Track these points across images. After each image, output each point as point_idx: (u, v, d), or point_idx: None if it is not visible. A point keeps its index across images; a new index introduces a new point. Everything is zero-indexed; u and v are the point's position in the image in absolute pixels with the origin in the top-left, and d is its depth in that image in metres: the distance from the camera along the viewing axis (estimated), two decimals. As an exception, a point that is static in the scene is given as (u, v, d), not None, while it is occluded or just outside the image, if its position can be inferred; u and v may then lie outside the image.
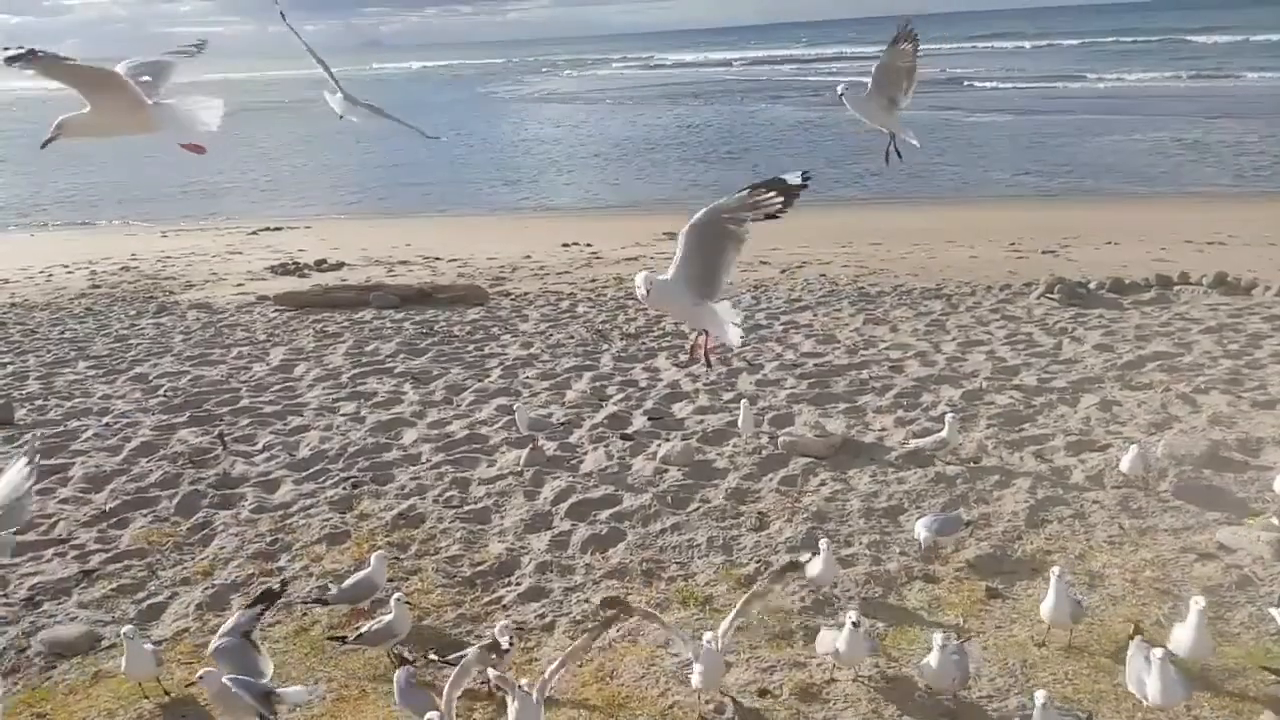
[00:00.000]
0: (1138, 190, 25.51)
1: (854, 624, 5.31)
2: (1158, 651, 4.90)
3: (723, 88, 64.18)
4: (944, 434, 8.38)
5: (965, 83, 54.71)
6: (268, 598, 5.79)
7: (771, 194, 4.45)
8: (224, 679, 4.96)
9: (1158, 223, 19.76)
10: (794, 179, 4.49)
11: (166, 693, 5.75)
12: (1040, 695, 4.72)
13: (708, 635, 5.27)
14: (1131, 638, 5.32)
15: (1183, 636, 5.28)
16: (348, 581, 6.53)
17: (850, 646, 5.36)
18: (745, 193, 4.48)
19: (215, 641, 5.36)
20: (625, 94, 62.24)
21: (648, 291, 4.88)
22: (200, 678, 5.14)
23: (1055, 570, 5.76)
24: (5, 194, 33.81)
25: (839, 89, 5.82)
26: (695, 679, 5.29)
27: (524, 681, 4.92)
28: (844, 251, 18.02)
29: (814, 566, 6.21)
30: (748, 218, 4.54)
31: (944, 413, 8.72)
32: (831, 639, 5.50)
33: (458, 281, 16.70)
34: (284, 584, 6.45)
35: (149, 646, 5.73)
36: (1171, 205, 22.57)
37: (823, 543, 6.26)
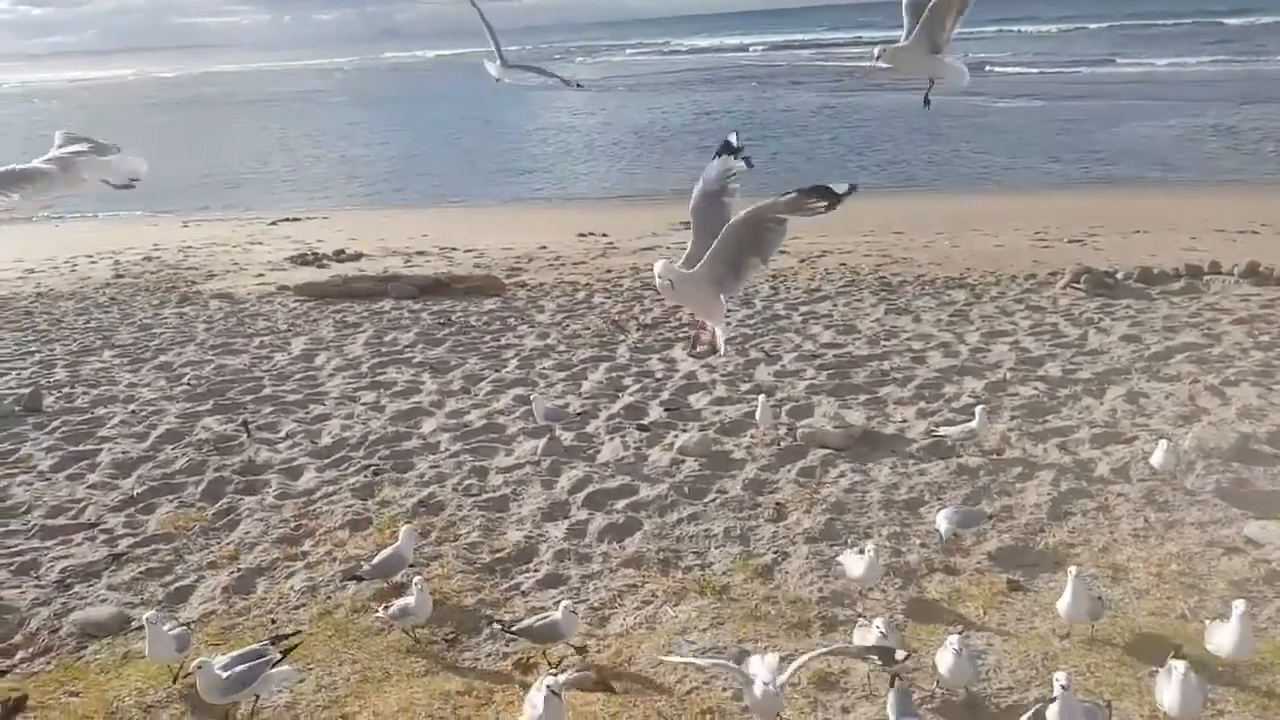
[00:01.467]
0: (1167, 178, 25.07)
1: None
2: (1179, 665, 4.82)
3: (741, 73, 63.74)
4: (973, 425, 8.29)
5: (988, 67, 54.09)
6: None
7: (816, 200, 4.40)
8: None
9: (1187, 211, 19.45)
10: (841, 189, 4.44)
11: (186, 674, 5.75)
12: (1061, 676, 4.68)
13: (765, 675, 4.85)
14: (1174, 656, 5.09)
15: (1224, 638, 5.21)
16: (378, 556, 6.63)
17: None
18: (792, 196, 4.41)
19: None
20: (641, 81, 62.03)
21: (670, 283, 4.83)
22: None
23: (1072, 570, 5.69)
24: (32, 184, 34.13)
25: (874, 52, 5.70)
26: None
27: (548, 681, 4.87)
28: (865, 240, 17.88)
29: (858, 567, 6.12)
30: (787, 222, 4.48)
31: (967, 404, 8.64)
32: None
33: (474, 272, 16.72)
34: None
35: (173, 630, 5.79)
36: (1202, 193, 22.20)
37: (869, 544, 6.17)
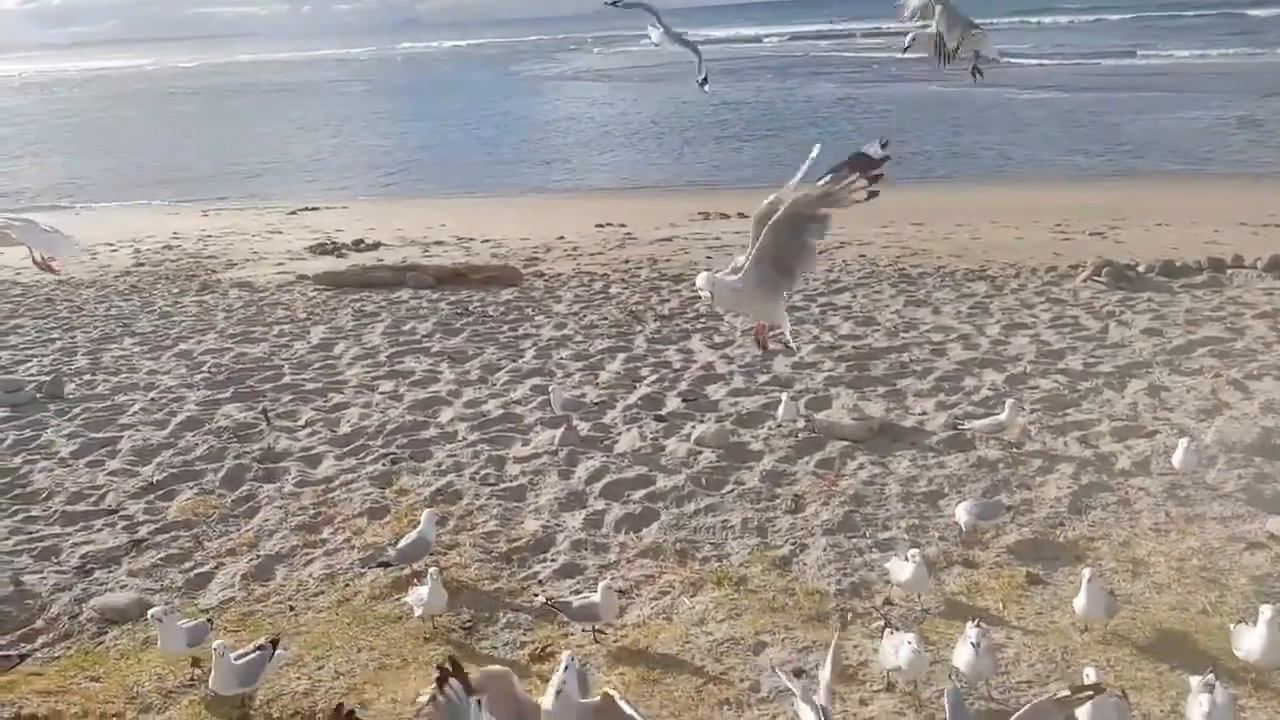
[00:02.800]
0: (1189, 170, 24.83)
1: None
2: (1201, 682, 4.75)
3: (759, 64, 63.37)
4: (1002, 417, 8.21)
5: (1007, 59, 53.57)
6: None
7: (856, 178, 4.27)
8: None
9: (1210, 204, 19.24)
10: (874, 150, 4.28)
11: (197, 664, 5.72)
12: (1091, 671, 4.63)
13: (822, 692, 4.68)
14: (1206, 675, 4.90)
15: (1253, 643, 5.12)
16: (403, 542, 6.66)
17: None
18: (828, 180, 4.29)
19: None
20: (658, 71, 61.75)
21: (711, 294, 4.74)
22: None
23: (1086, 571, 5.62)
24: (51, 173, 34.45)
25: (908, 39, 5.74)
26: None
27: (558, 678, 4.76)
28: (884, 232, 17.78)
29: (903, 572, 6.03)
30: (830, 214, 4.35)
31: (987, 397, 8.56)
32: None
33: (491, 262, 16.75)
34: None
35: (185, 624, 5.78)
36: (1225, 186, 21.98)
37: (913, 551, 6.06)
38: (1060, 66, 50.80)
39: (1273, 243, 15.12)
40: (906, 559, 6.03)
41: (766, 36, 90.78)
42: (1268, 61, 47.17)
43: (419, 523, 6.74)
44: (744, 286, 4.60)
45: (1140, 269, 13.82)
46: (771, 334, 5.45)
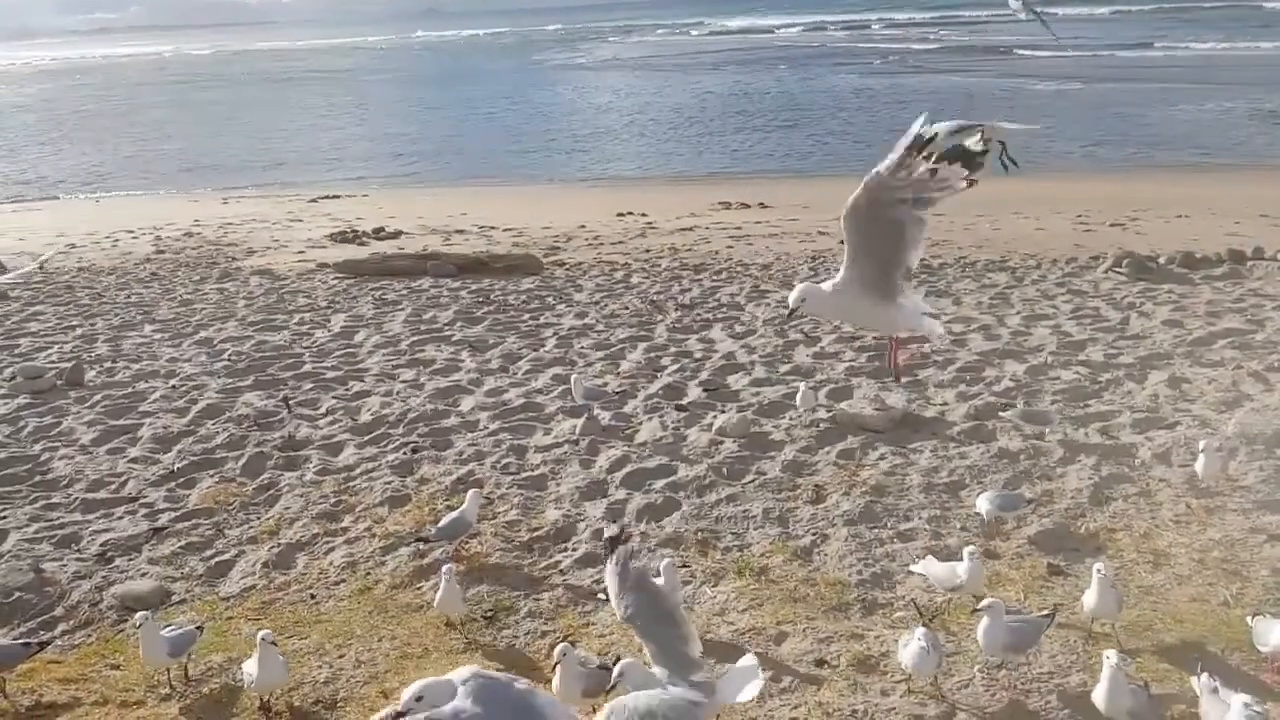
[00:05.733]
0: (1210, 162, 24.68)
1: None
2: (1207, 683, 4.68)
3: (778, 54, 63.15)
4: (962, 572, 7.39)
5: (1018, 50, 53.25)
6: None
7: (945, 164, 4.00)
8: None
9: (1231, 196, 19.12)
10: (974, 143, 3.97)
11: (187, 679, 5.55)
12: (1112, 655, 4.65)
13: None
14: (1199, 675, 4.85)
15: (1273, 635, 5.07)
16: (444, 520, 6.73)
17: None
18: (900, 154, 4.06)
19: None
20: (678, 61, 61.63)
21: (802, 299, 4.47)
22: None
23: (1097, 567, 5.52)
24: (72, 160, 34.67)
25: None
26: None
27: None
28: (903, 222, 17.68)
29: (959, 572, 5.84)
30: (925, 195, 4.10)
31: (1008, 387, 8.52)
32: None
33: (513, 251, 16.80)
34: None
35: (170, 631, 5.50)
36: (1245, 178, 21.82)
37: (968, 550, 5.86)
38: (1082, 57, 50.35)
39: (1295, 234, 15.04)
40: (963, 557, 5.86)
41: (781, 27, 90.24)
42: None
43: (453, 507, 6.77)
44: (844, 290, 4.31)
45: (1161, 260, 13.75)
46: (910, 347, 5.10)
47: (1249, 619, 5.35)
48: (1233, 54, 48.22)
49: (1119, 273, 13.43)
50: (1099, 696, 4.73)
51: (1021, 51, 53.63)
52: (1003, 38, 60.84)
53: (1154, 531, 6.79)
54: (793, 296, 4.40)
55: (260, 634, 5.17)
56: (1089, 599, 5.55)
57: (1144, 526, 6.86)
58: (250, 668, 5.19)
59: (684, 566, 6.58)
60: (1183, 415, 8.66)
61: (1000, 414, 8.69)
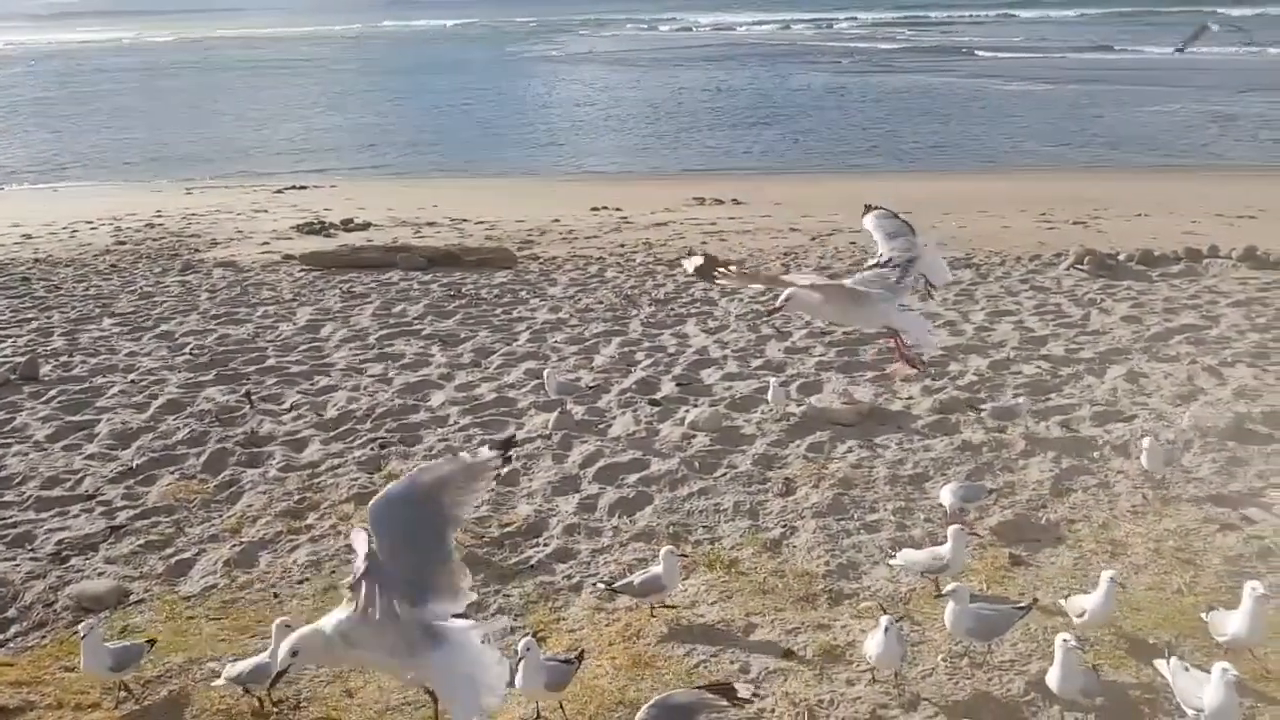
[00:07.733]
0: (1168, 163, 25.27)
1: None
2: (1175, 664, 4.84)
3: (753, 51, 63.25)
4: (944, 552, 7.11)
5: (973, 51, 53.89)
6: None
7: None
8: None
9: (1187, 195, 19.55)
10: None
11: (128, 693, 5.37)
12: (1067, 637, 4.83)
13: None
14: (1167, 658, 5.00)
15: (1239, 623, 5.19)
16: None
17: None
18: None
19: None
20: (652, 56, 61.49)
21: (788, 298, 4.58)
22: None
23: (1107, 576, 5.53)
24: (29, 149, 33.93)
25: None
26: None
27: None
28: (872, 219, 17.84)
29: (944, 551, 6.06)
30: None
31: (971, 381, 8.65)
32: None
33: (485, 244, 16.66)
34: None
35: (115, 644, 5.37)
36: (1201, 178, 22.32)
37: (953, 529, 6.07)
38: (1043, 59, 51.08)
39: (1247, 233, 15.42)
40: (947, 538, 6.02)
41: (750, 24, 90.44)
42: (1240, 59, 47.79)
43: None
44: (861, 287, 4.59)
45: (1121, 258, 14.02)
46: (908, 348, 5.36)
47: (1203, 615, 5.48)
48: (1189, 58, 49.17)
49: (1080, 270, 13.68)
50: (1052, 678, 4.86)
51: (982, 53, 54.34)
52: (966, 38, 61.59)
53: (1112, 522, 6.95)
54: (781, 296, 4.59)
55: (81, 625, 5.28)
56: (1091, 601, 5.49)
57: (1102, 517, 7.03)
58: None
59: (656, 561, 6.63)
60: (1140, 409, 8.87)
61: (979, 409, 8.86)
